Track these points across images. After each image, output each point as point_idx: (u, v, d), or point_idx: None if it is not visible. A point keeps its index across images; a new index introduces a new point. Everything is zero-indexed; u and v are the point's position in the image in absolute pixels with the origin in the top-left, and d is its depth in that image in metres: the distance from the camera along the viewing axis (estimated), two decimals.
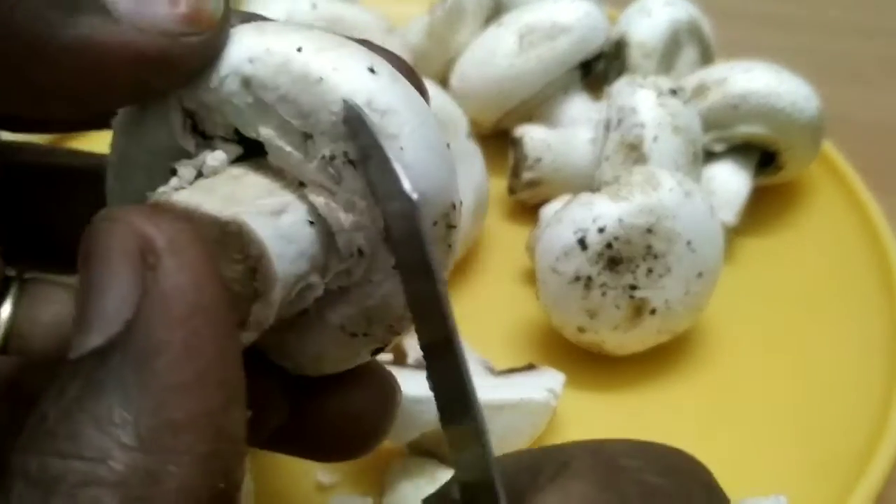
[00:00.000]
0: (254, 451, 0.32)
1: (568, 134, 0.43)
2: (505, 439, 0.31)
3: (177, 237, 0.14)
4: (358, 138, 0.17)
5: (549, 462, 0.17)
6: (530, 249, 0.39)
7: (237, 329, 0.15)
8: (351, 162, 0.17)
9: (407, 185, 0.17)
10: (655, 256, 0.34)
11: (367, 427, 0.21)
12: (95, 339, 0.14)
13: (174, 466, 0.13)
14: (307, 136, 0.17)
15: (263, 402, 0.19)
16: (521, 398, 0.31)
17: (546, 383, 0.33)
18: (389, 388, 0.22)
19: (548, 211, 0.39)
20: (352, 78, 0.17)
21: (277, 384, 0.20)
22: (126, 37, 0.16)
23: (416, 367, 0.32)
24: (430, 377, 0.17)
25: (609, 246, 0.33)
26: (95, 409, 0.13)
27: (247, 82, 0.17)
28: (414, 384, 0.30)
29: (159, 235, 0.14)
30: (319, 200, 0.17)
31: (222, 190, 0.17)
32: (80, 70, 0.16)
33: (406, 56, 0.45)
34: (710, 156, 0.43)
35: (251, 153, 0.18)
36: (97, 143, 0.22)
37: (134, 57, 0.16)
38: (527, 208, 0.44)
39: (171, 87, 0.17)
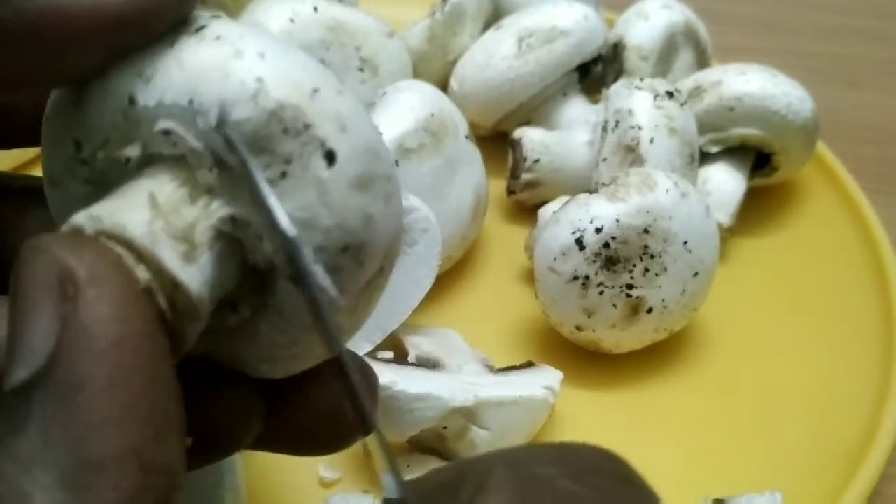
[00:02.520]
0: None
1: (566, 136, 0.44)
2: (504, 436, 0.32)
3: (98, 267, 0.14)
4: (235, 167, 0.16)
5: (467, 478, 0.16)
6: (529, 249, 0.40)
7: (167, 355, 0.15)
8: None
9: (284, 220, 0.16)
10: (652, 256, 0.34)
11: (346, 419, 0.20)
12: (21, 373, 0.13)
13: None
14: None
15: (244, 411, 0.19)
16: (519, 396, 0.32)
17: (544, 381, 0.33)
18: (367, 380, 0.21)
19: (546, 211, 0.39)
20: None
21: (253, 390, 0.19)
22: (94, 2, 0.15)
23: (417, 365, 0.32)
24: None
25: (606, 246, 0.34)
26: (15, 448, 0.13)
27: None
28: (415, 381, 0.30)
29: (80, 266, 0.14)
30: (226, 212, 0.16)
31: (139, 209, 0.15)
32: (50, 43, 0.15)
33: (406, 59, 0.46)
34: (705, 157, 0.43)
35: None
36: None
37: (112, 17, 0.15)
38: (525, 209, 0.44)
39: (146, 40, 0.16)
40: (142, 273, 0.15)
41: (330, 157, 0.16)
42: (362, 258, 0.17)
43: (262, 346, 0.18)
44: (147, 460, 0.13)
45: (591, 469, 0.16)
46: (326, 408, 0.20)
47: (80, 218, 0.15)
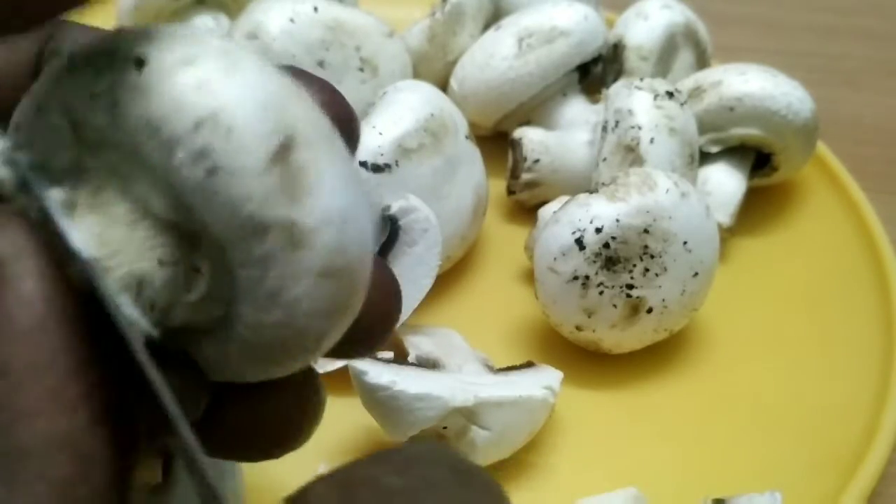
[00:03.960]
0: None
1: (566, 136, 0.44)
2: (504, 436, 0.32)
3: (22, 246, 0.13)
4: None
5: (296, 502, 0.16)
6: (529, 249, 0.40)
7: (100, 336, 0.14)
8: None
9: (75, 242, 0.14)
10: (652, 256, 0.34)
11: (281, 433, 0.20)
12: None
13: (27, 497, 0.12)
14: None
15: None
16: (519, 395, 0.32)
17: (544, 381, 0.33)
18: (308, 393, 0.20)
19: (546, 211, 0.39)
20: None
21: (193, 379, 0.18)
22: None
23: (417, 365, 0.32)
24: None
25: (606, 246, 0.34)
26: None
27: None
28: (415, 381, 0.30)
29: (3, 241, 0.13)
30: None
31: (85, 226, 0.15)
32: None
33: (406, 59, 0.46)
34: (705, 157, 0.43)
35: None
36: None
37: None
38: (525, 209, 0.44)
39: None
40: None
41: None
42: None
43: (233, 351, 0.17)
44: (80, 448, 0.13)
45: (419, 461, 0.16)
46: (268, 418, 0.19)
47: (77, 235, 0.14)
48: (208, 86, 0.14)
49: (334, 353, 0.19)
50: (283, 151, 0.14)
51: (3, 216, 0.14)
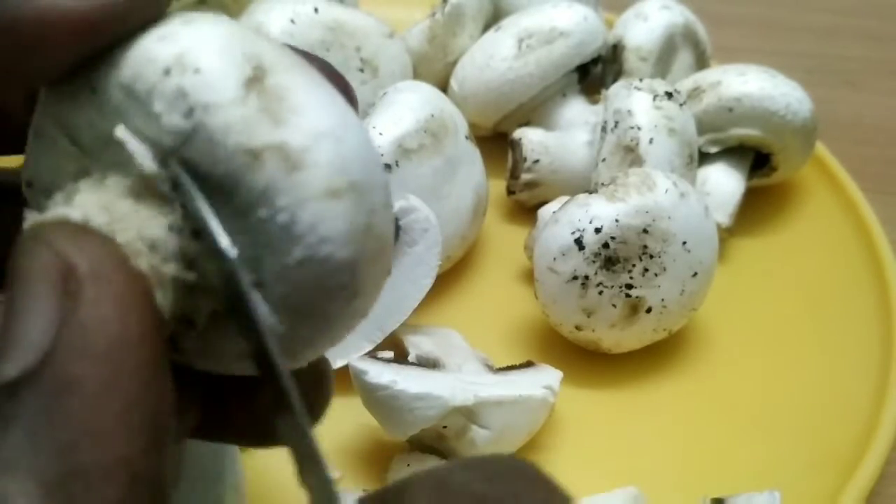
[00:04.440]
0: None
1: (565, 136, 0.44)
2: (504, 435, 0.32)
3: (101, 263, 0.13)
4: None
5: (391, 498, 0.16)
6: (528, 249, 0.40)
7: (165, 361, 0.14)
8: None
9: (224, 241, 0.15)
10: (651, 256, 0.34)
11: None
12: (9, 370, 0.13)
13: None
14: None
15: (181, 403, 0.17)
16: (519, 395, 0.32)
17: (544, 380, 0.33)
18: (318, 375, 0.20)
19: (546, 211, 0.39)
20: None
21: (190, 380, 0.18)
22: (61, 3, 0.14)
23: (417, 364, 0.32)
24: (278, 432, 0.16)
25: (606, 246, 0.34)
26: (1, 450, 0.12)
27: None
28: (415, 381, 0.30)
29: (83, 261, 0.13)
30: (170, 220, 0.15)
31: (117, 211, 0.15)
32: (13, 49, 0.15)
33: (406, 60, 0.46)
34: (704, 157, 0.43)
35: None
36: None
37: (77, 22, 0.15)
38: (525, 209, 0.45)
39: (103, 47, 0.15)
40: (146, 269, 0.14)
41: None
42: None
43: (220, 354, 0.17)
44: (136, 471, 0.13)
45: (503, 472, 0.16)
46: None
47: (76, 212, 0.14)
48: (169, 36, 0.15)
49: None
50: (256, 78, 0.15)
51: (75, 229, 0.14)
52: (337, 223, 0.15)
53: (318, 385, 0.19)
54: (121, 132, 0.15)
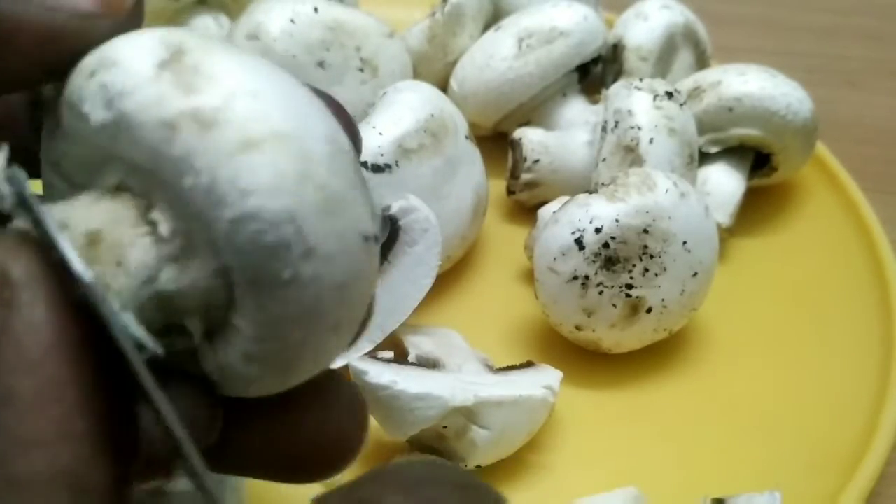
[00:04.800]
0: None
1: (565, 136, 0.44)
2: (504, 436, 0.32)
3: (35, 269, 0.13)
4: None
5: None
6: (528, 249, 0.40)
7: (109, 366, 0.13)
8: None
9: (77, 265, 0.13)
10: (651, 256, 0.34)
11: (333, 450, 0.19)
12: None
13: None
14: None
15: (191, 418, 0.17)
16: (519, 395, 0.32)
17: (544, 380, 0.33)
18: (355, 406, 0.19)
19: (546, 211, 0.39)
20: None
21: (204, 398, 0.17)
22: (37, 16, 0.15)
23: (417, 364, 0.32)
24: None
25: (606, 246, 0.34)
26: None
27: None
28: (415, 381, 0.30)
29: (17, 268, 0.13)
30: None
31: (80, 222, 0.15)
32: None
33: (406, 59, 0.46)
34: (704, 157, 0.43)
35: None
36: None
37: (45, 35, 0.15)
38: (525, 209, 0.45)
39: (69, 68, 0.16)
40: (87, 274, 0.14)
41: None
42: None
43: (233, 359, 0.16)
44: (78, 481, 0.12)
45: (421, 480, 0.15)
46: (313, 435, 0.18)
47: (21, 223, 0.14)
48: (102, 47, 0.15)
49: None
50: (173, 59, 0.15)
51: (14, 240, 0.14)
52: (259, 174, 0.14)
53: (350, 413, 0.19)
54: None
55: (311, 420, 0.18)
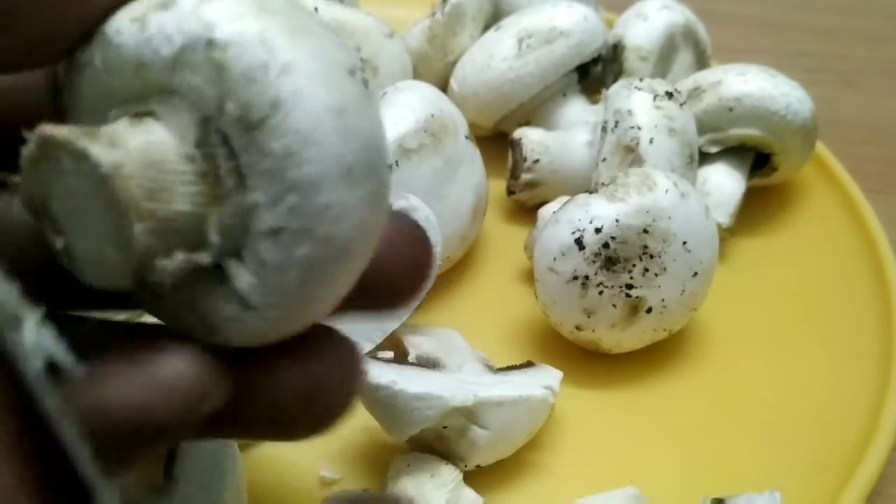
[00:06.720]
0: (253, 446, 0.33)
1: (565, 136, 0.44)
2: (503, 436, 0.32)
3: None
4: None
5: None
6: (528, 249, 0.40)
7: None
8: None
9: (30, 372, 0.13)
10: (651, 256, 0.34)
11: (322, 404, 0.18)
12: None
13: None
14: None
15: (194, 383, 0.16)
16: (519, 395, 0.32)
17: (544, 381, 0.33)
18: (349, 359, 0.18)
19: (546, 211, 0.39)
20: None
21: (210, 359, 0.16)
22: None
23: (417, 364, 0.32)
24: None
25: (606, 246, 0.34)
26: None
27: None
28: (415, 381, 0.30)
29: None
30: None
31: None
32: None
33: (406, 59, 0.46)
34: (704, 157, 0.43)
35: None
36: None
37: None
38: (525, 209, 0.45)
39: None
40: None
41: None
42: None
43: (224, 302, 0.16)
44: None
45: None
46: (305, 389, 0.17)
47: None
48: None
49: (360, 307, 0.18)
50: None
51: None
52: (221, 9, 0.15)
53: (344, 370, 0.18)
54: None
55: (298, 371, 0.17)
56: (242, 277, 0.15)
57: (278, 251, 0.15)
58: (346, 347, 0.18)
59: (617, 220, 0.34)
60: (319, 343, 0.18)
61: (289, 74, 0.14)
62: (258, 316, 0.16)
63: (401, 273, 0.19)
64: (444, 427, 0.31)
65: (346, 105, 0.15)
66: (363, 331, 0.34)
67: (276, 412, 0.18)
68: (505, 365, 0.35)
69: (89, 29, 0.16)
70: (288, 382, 0.17)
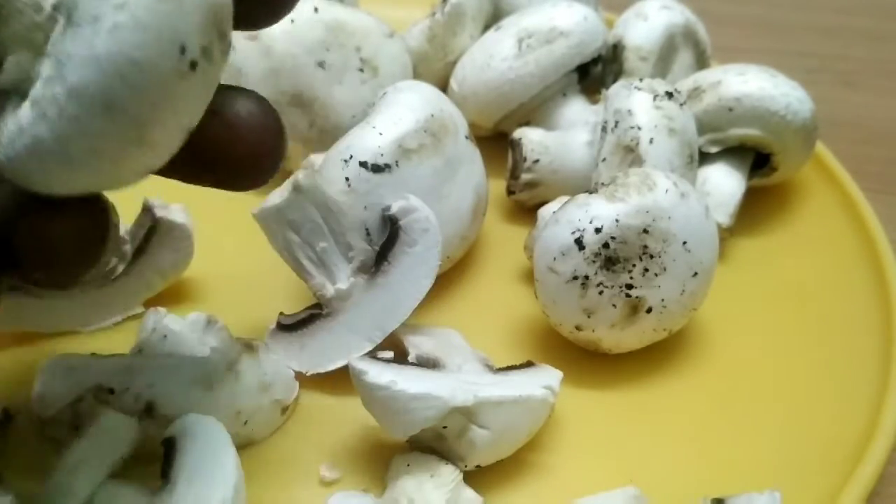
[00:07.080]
0: (253, 446, 0.33)
1: (565, 136, 0.44)
2: (503, 435, 0.32)
3: None
4: None
5: None
6: (528, 249, 0.40)
7: None
8: None
9: None
10: (651, 256, 0.34)
11: (69, 253, 0.21)
12: None
13: None
14: None
15: None
16: (519, 395, 0.32)
17: (544, 381, 0.33)
18: (97, 219, 0.21)
19: (546, 211, 0.39)
20: None
21: None
22: None
23: (417, 364, 0.32)
24: None
25: (606, 246, 0.34)
26: None
27: None
28: (415, 381, 0.30)
29: None
30: None
31: None
32: None
33: (406, 59, 0.46)
34: (704, 157, 0.43)
35: None
36: None
37: None
38: (525, 209, 0.45)
39: None
40: None
41: None
42: None
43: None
44: None
45: None
46: (53, 239, 0.21)
47: None
48: None
49: (202, 179, 0.22)
50: None
51: None
52: None
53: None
54: None
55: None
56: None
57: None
58: (92, 207, 0.21)
59: (617, 220, 0.34)
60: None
61: (122, 10, 0.18)
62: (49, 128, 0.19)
63: (241, 154, 0.22)
64: (444, 427, 0.31)
65: (152, 58, 0.19)
66: (363, 331, 0.34)
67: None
68: (505, 365, 0.35)
69: None
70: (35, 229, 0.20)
